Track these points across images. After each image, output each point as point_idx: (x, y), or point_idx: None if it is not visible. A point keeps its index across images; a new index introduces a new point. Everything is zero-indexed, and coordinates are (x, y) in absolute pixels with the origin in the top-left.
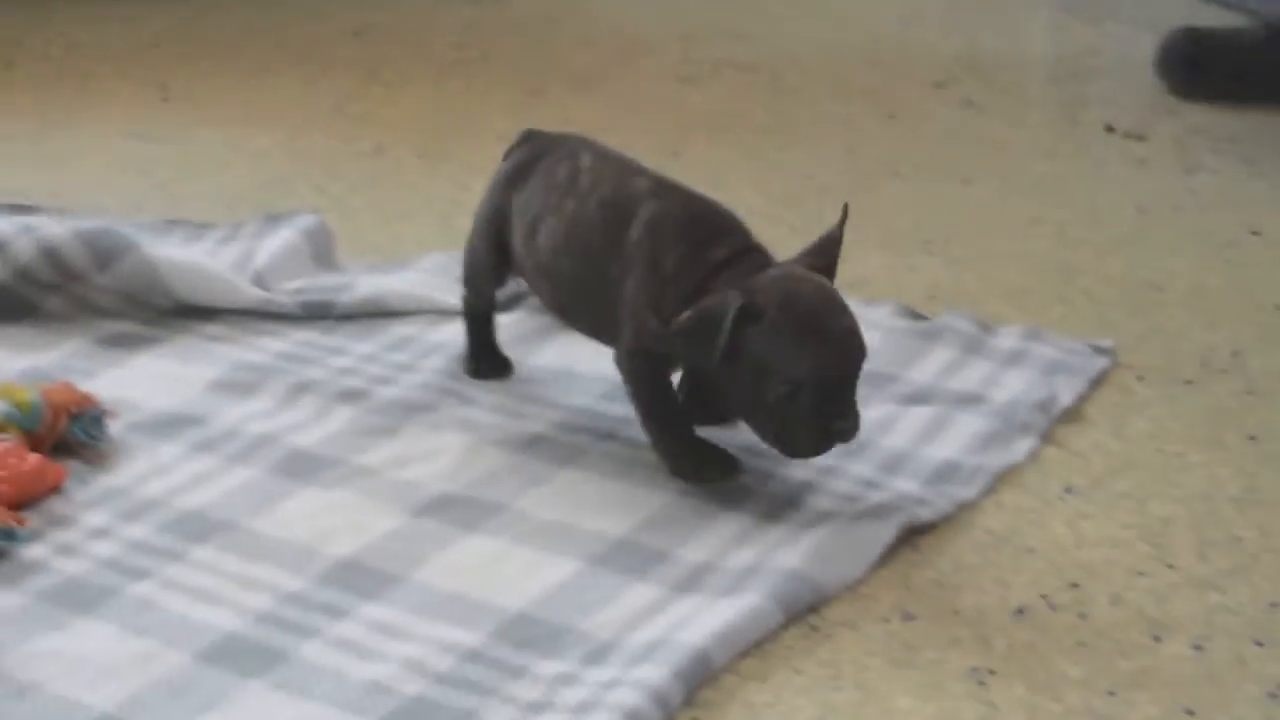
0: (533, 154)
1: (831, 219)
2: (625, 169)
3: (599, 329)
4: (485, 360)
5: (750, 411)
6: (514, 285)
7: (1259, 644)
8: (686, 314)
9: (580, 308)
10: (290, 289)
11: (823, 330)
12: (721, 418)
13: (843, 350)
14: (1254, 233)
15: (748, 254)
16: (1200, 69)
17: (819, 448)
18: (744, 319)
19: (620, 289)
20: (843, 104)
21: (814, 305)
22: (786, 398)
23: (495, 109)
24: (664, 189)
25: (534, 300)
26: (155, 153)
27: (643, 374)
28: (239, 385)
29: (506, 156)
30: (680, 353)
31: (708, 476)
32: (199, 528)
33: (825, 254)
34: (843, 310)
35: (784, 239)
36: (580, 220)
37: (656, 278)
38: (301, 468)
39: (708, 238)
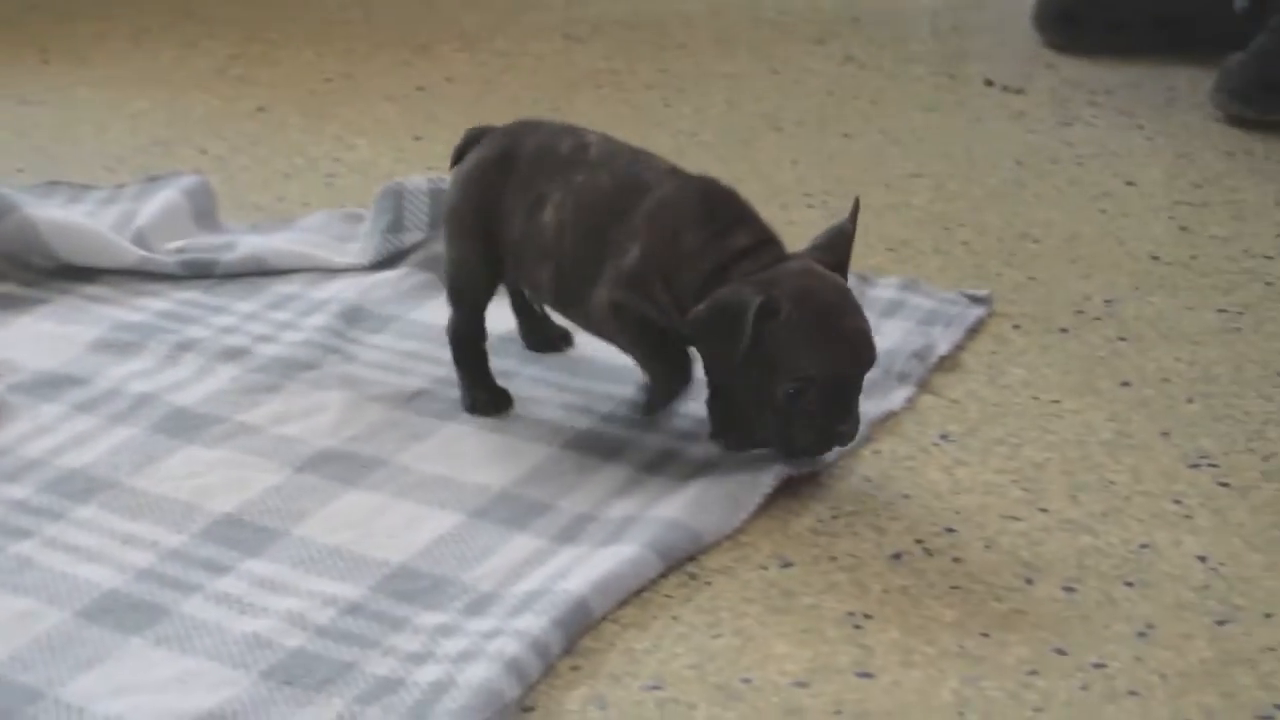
0: (509, 141)
1: (715, 173)
2: (637, 151)
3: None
4: (483, 390)
5: (753, 407)
6: (393, 243)
7: (1129, 584)
8: (705, 305)
9: (581, 292)
10: (172, 249)
11: (837, 330)
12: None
13: (854, 351)
14: (1128, 183)
15: (766, 245)
16: (1076, 23)
17: (820, 448)
18: (762, 315)
19: (618, 255)
20: (726, 60)
21: (829, 304)
22: (794, 395)
23: (379, 68)
24: (681, 172)
25: (417, 256)
26: (35, 115)
27: (631, 317)
28: (120, 345)
29: (458, 156)
30: (698, 344)
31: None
32: (80, 487)
33: (838, 249)
34: (856, 311)
35: None
36: (590, 190)
37: (674, 253)
38: (183, 426)
39: (729, 224)
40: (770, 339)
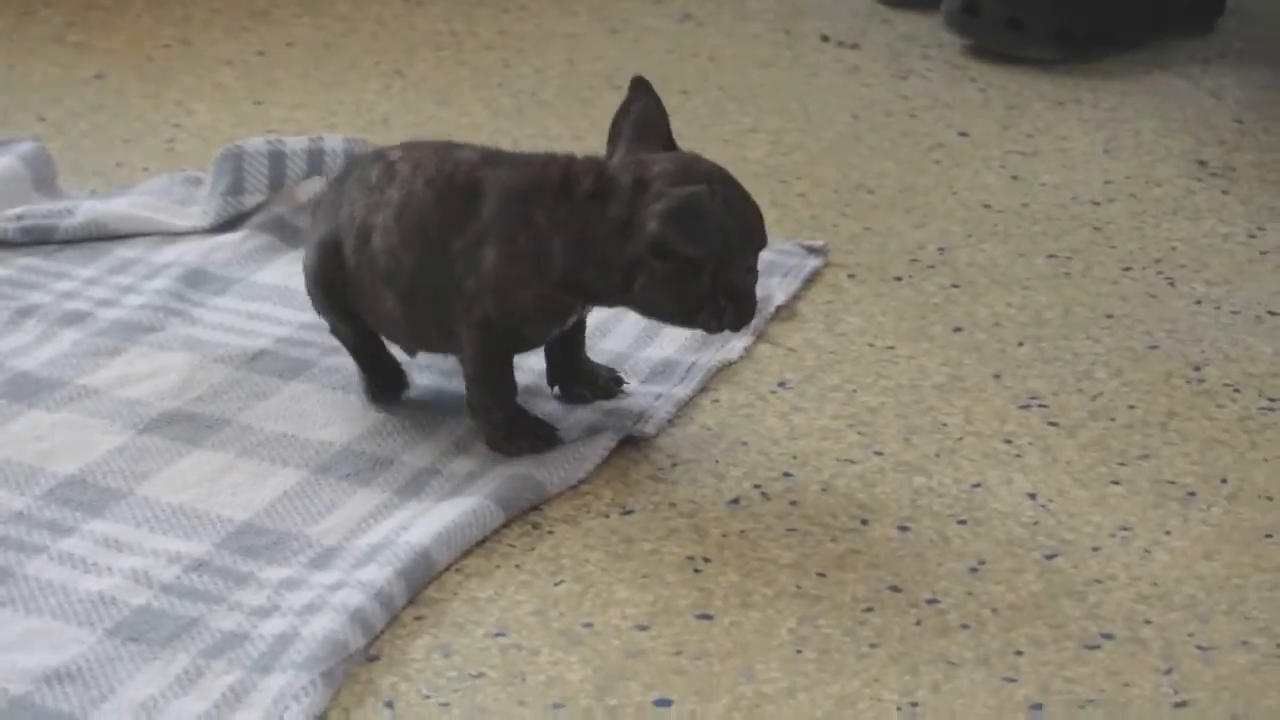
0: (342, 172)
1: (555, 132)
2: (439, 147)
3: (446, 332)
4: (379, 374)
5: (684, 298)
6: (233, 206)
7: (961, 522)
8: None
9: (428, 309)
10: (11, 215)
11: (753, 207)
12: (586, 383)
13: (759, 217)
14: (961, 134)
15: (603, 167)
16: None
17: (749, 319)
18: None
19: (471, 265)
20: (566, 20)
21: (730, 180)
22: (724, 274)
23: (219, 33)
24: (492, 155)
25: (257, 218)
26: None
27: (494, 345)
28: None
29: (311, 219)
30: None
31: (522, 448)
32: None
33: (664, 131)
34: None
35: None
36: (410, 206)
37: (581, 242)
38: (25, 390)
39: (568, 182)
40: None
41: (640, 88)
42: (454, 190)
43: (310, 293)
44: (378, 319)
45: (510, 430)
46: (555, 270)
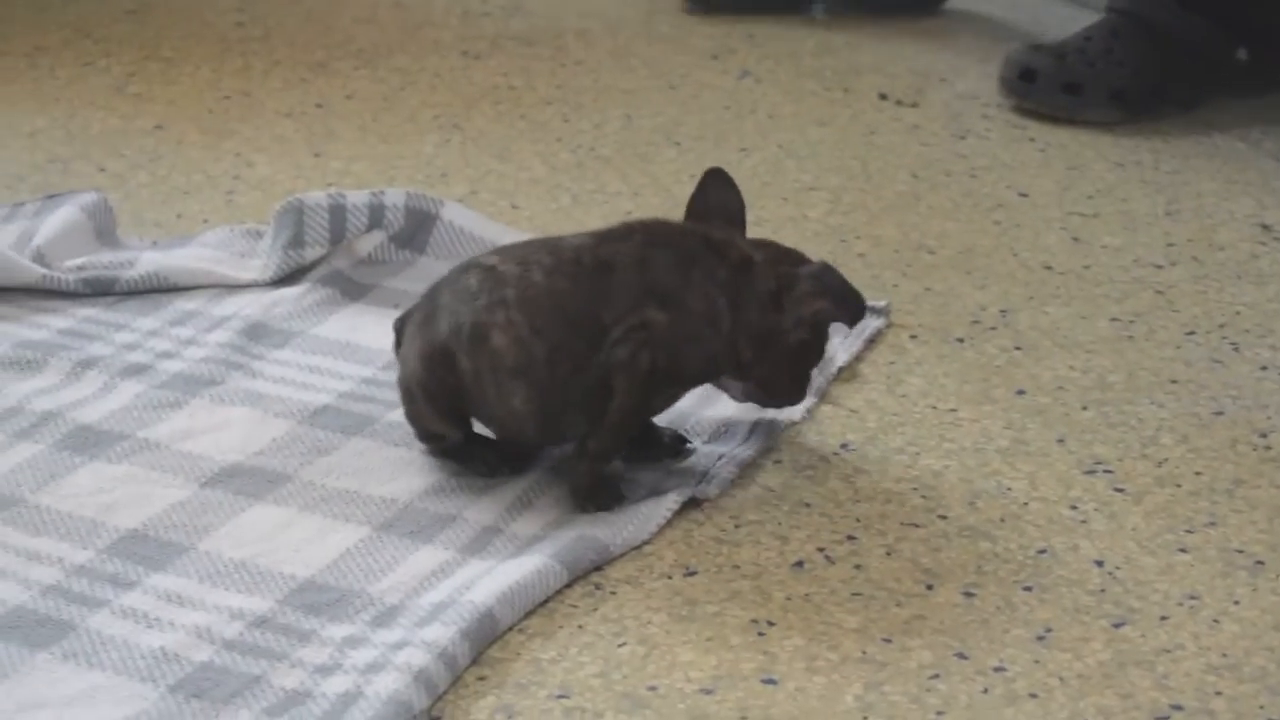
0: (430, 291)
1: (613, 188)
2: (536, 243)
3: (585, 411)
4: (492, 451)
5: (799, 374)
6: (294, 259)
7: (1027, 588)
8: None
9: (569, 390)
10: (72, 266)
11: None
12: (651, 443)
13: None
14: (1021, 195)
15: (737, 240)
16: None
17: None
18: None
19: (633, 329)
20: (624, 76)
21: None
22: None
23: (277, 84)
24: (600, 235)
25: (317, 272)
26: None
27: (648, 394)
28: (22, 362)
29: (399, 336)
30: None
31: (602, 505)
32: None
33: (742, 226)
34: None
35: (567, 209)
36: (537, 297)
37: (738, 305)
38: (87, 443)
39: (716, 249)
40: None
41: (717, 177)
42: (586, 270)
43: (416, 404)
44: (501, 418)
45: (603, 484)
46: (725, 327)
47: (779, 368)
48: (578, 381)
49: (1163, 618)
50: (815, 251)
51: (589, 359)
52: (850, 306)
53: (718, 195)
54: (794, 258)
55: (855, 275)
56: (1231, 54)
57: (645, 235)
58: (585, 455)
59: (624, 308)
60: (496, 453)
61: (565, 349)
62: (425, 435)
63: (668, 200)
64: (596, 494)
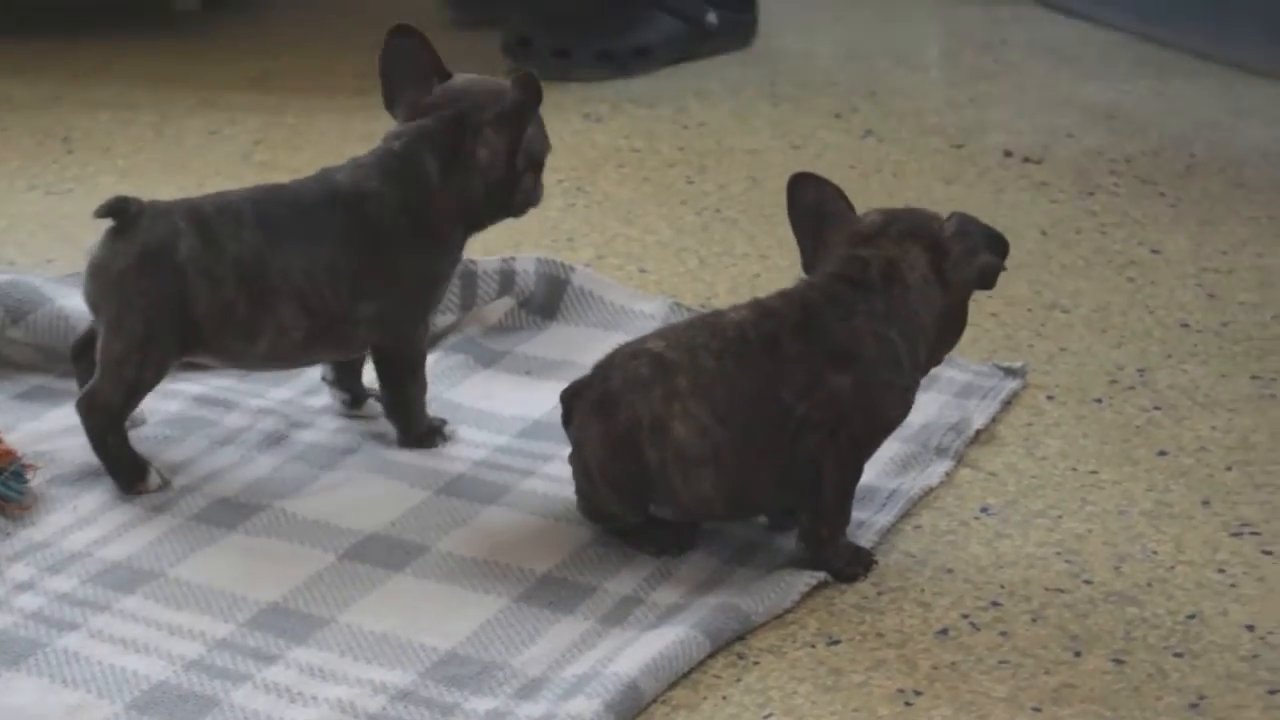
0: (598, 377)
1: (740, 250)
2: (696, 322)
3: (782, 472)
4: (663, 531)
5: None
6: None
7: (1178, 655)
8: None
9: (759, 469)
10: None
11: None
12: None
13: None
14: (1154, 251)
15: (864, 253)
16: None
17: None
18: None
19: (820, 400)
20: (747, 136)
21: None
22: None
23: None
24: (753, 306)
25: (450, 339)
26: (61, 205)
27: (860, 466)
28: (159, 437)
29: (568, 412)
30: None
31: (859, 574)
32: (124, 578)
33: (845, 211)
34: None
35: (694, 271)
36: (712, 384)
37: (906, 318)
38: (224, 515)
39: (860, 282)
40: None
41: (802, 180)
42: (753, 348)
43: (596, 487)
44: (687, 503)
45: (851, 553)
46: (903, 357)
47: (958, 323)
48: (769, 461)
49: None
50: None
51: (777, 438)
52: (1002, 246)
53: (808, 197)
54: (926, 222)
55: (990, 335)
56: (703, 16)
57: (798, 300)
58: (821, 543)
59: (803, 381)
60: (667, 532)
61: (750, 432)
62: (597, 515)
63: (795, 261)
64: (853, 565)
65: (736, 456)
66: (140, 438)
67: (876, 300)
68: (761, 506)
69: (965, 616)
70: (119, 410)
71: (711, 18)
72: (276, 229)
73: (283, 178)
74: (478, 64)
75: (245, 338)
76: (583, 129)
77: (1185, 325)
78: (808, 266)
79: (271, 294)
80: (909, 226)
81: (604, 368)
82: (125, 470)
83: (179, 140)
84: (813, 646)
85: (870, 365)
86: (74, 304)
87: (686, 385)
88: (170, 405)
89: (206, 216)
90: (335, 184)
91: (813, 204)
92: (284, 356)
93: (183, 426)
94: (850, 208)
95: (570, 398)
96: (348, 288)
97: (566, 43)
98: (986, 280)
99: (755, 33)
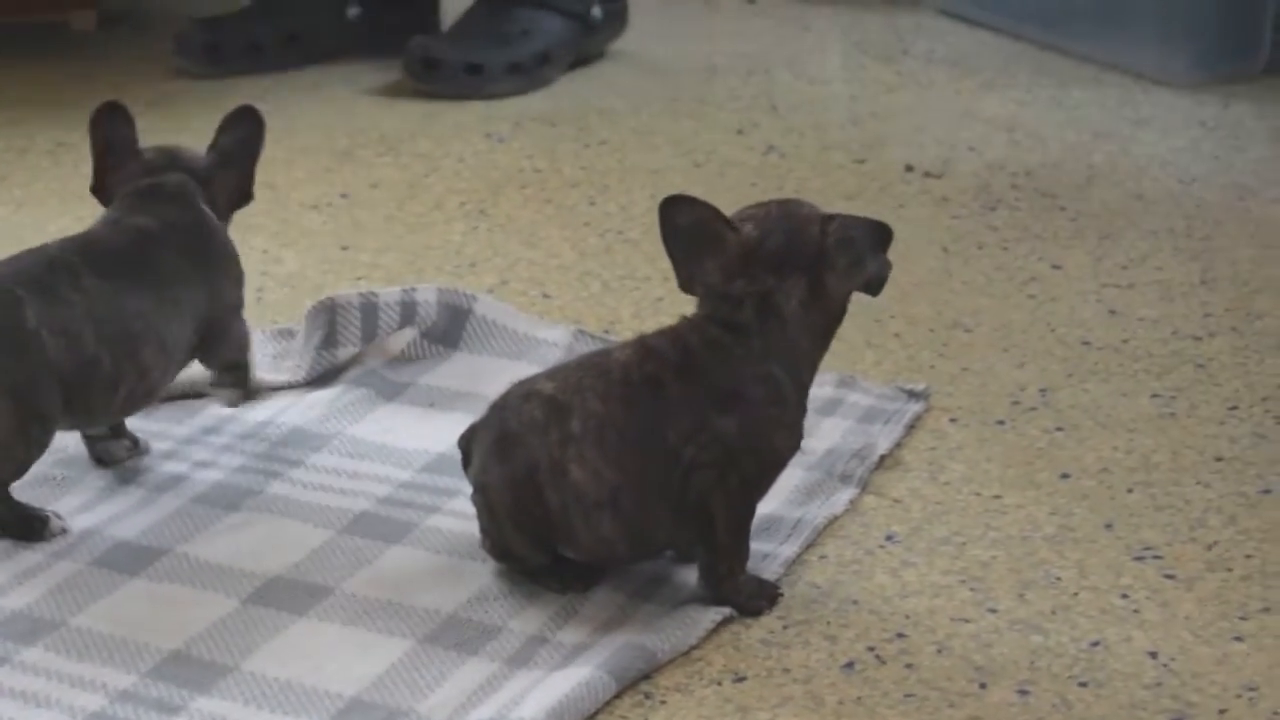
0: (494, 419)
1: (643, 273)
2: (584, 363)
3: (678, 512)
4: (567, 570)
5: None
6: (327, 359)
7: (1082, 684)
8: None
9: (654, 510)
10: None
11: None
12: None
13: None
14: (1054, 267)
15: (737, 289)
16: (217, 49)
17: None
18: None
19: (706, 442)
20: (648, 154)
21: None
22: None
23: (302, 175)
24: (635, 345)
25: (351, 372)
26: None
27: (752, 504)
28: (57, 479)
29: (466, 455)
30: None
31: (764, 606)
32: (25, 628)
33: (718, 238)
34: None
35: (597, 296)
36: (600, 429)
37: (787, 349)
38: (125, 560)
39: (734, 323)
40: None
41: (675, 202)
42: (638, 391)
43: (502, 529)
44: (589, 545)
45: (753, 586)
46: (788, 391)
47: (834, 330)
48: (664, 502)
49: (1221, 711)
50: (850, 332)
51: (668, 480)
52: (886, 237)
53: (681, 219)
54: (802, 231)
55: (892, 356)
56: (343, 11)
57: (680, 341)
58: (720, 580)
59: (688, 423)
60: (572, 571)
61: (643, 475)
62: (504, 555)
63: None
64: (757, 599)
65: (632, 499)
66: (39, 478)
67: (754, 341)
68: (664, 545)
69: (871, 649)
70: (8, 481)
71: (596, 11)
72: (113, 274)
73: None
74: (385, 94)
75: (109, 389)
76: (485, 149)
77: (1086, 343)
78: (684, 289)
79: (132, 339)
80: (784, 244)
81: (498, 409)
82: (23, 527)
83: (75, 167)
84: (719, 684)
85: (754, 404)
86: None
87: (578, 429)
88: (68, 444)
89: (39, 277)
90: (138, 225)
91: (686, 226)
92: (137, 403)
93: (81, 467)
94: (729, 226)
95: (467, 442)
96: (190, 317)
97: (478, 58)
98: (874, 290)
99: (626, 21)
